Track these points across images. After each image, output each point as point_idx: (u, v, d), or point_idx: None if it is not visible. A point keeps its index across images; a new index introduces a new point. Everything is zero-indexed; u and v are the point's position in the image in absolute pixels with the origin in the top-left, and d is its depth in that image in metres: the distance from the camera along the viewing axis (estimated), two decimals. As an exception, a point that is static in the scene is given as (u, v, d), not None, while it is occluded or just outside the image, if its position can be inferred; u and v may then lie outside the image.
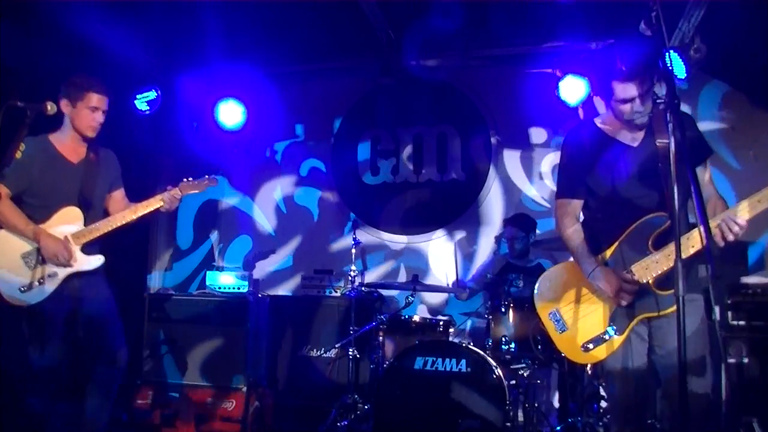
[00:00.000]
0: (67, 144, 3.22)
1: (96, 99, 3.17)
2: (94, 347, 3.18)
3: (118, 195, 3.41)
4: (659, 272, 2.33)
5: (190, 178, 3.35)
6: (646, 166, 2.43)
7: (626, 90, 2.38)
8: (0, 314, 3.33)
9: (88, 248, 3.17)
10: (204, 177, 3.38)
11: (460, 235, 5.50)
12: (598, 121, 2.63)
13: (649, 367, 2.45)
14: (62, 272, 3.08)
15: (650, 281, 2.35)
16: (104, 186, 3.33)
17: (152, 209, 3.23)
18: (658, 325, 2.41)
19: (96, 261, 3.18)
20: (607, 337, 2.42)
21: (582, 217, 2.70)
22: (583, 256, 2.53)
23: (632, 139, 2.52)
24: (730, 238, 2.23)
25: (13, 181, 3.03)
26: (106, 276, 3.30)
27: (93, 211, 3.22)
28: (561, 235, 2.67)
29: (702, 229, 1.85)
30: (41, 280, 3.04)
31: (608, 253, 2.49)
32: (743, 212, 2.23)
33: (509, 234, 4.73)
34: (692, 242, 2.24)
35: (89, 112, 3.16)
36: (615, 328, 2.41)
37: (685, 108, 2.66)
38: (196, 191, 3.36)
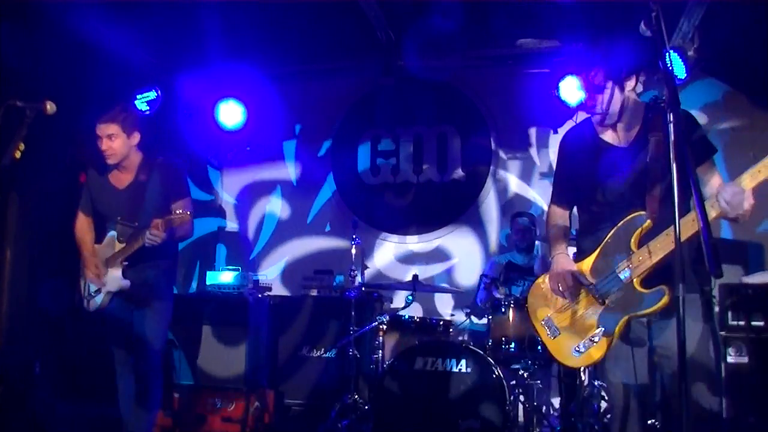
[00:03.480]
0: (116, 173, 3.40)
1: (97, 129, 3.29)
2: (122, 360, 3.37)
3: (178, 206, 3.27)
4: (642, 271, 2.32)
5: (169, 216, 3.15)
6: (636, 167, 2.41)
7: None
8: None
9: (126, 271, 3.27)
10: (180, 213, 3.16)
11: (460, 235, 5.50)
12: (594, 120, 2.62)
13: (649, 368, 2.44)
14: (103, 290, 3.30)
15: (635, 281, 2.34)
16: (155, 203, 3.30)
17: (138, 246, 3.20)
18: (658, 326, 2.40)
19: (114, 283, 3.27)
20: (596, 339, 2.41)
21: (565, 221, 2.75)
22: (554, 243, 2.64)
23: (625, 140, 2.49)
24: (726, 203, 2.13)
25: (84, 207, 3.48)
26: (163, 302, 3.38)
27: (139, 233, 3.21)
28: (545, 233, 2.76)
29: (702, 229, 1.83)
30: (92, 294, 3.34)
31: (595, 254, 2.48)
32: (744, 183, 2.15)
33: (522, 224, 4.75)
34: (672, 238, 2.18)
35: (100, 143, 3.29)
36: (604, 329, 2.39)
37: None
38: (175, 226, 3.20)
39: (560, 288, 2.49)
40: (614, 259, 2.40)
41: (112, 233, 3.35)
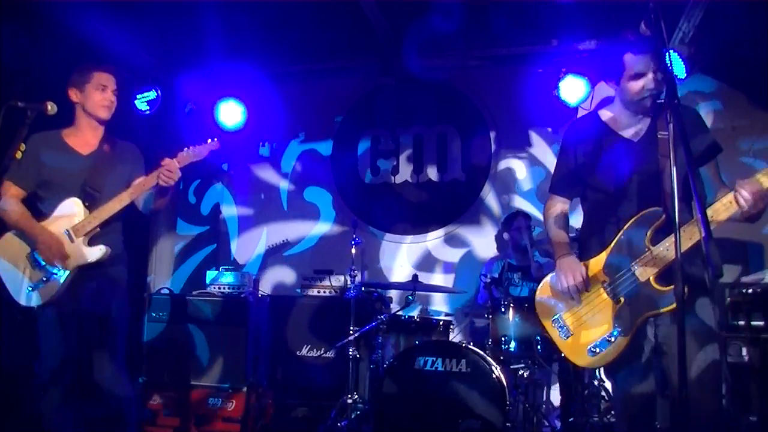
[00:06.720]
0: (78, 136, 3.13)
1: (103, 77, 3.11)
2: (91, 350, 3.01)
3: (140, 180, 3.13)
4: (659, 269, 2.31)
5: (189, 147, 3.09)
6: (647, 163, 2.40)
7: (639, 63, 2.35)
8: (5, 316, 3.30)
9: (95, 240, 3.00)
10: (205, 141, 3.15)
11: (460, 235, 5.50)
12: (602, 113, 2.60)
13: (655, 367, 2.42)
14: (70, 265, 2.93)
15: (651, 279, 2.33)
16: (118, 177, 3.13)
17: (149, 187, 3.02)
18: (666, 324, 2.37)
19: (97, 252, 2.97)
20: (612, 339, 2.37)
21: (565, 213, 2.71)
22: (558, 243, 2.59)
23: (635, 133, 2.48)
24: (745, 201, 2.16)
25: (23, 179, 3.03)
26: (123, 275, 3.14)
27: (103, 202, 3.03)
28: (545, 225, 2.72)
29: (702, 228, 1.83)
30: (44, 279, 2.92)
31: (608, 251, 2.46)
32: (763, 181, 2.17)
33: (521, 224, 4.75)
34: (689, 234, 2.20)
35: (99, 92, 3.09)
36: (620, 329, 2.36)
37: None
38: (197, 159, 3.10)
39: (570, 290, 2.44)
40: (629, 256, 2.37)
41: (73, 200, 3.00)
